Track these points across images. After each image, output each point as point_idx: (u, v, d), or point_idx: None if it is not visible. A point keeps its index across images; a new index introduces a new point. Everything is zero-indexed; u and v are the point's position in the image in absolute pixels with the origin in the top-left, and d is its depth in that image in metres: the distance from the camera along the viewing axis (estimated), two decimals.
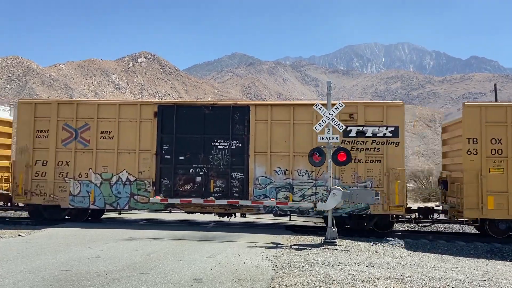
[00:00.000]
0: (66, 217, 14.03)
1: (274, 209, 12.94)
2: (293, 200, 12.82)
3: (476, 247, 11.89)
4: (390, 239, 12.50)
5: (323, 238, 10.90)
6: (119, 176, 13.43)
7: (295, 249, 9.76)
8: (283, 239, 11.26)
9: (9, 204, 14.69)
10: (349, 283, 6.43)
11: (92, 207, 13.60)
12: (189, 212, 13.76)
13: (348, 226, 13.23)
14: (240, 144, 13.24)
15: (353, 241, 11.39)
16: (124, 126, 13.54)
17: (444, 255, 10.73)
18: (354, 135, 12.88)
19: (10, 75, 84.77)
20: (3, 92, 78.06)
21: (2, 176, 15.35)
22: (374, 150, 12.80)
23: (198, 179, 13.29)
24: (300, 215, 13.34)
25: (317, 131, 11.32)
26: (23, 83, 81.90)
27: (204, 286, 6.38)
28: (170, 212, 14.30)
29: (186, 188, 13.32)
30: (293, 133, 13.06)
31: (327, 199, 11.01)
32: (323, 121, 11.16)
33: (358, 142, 12.85)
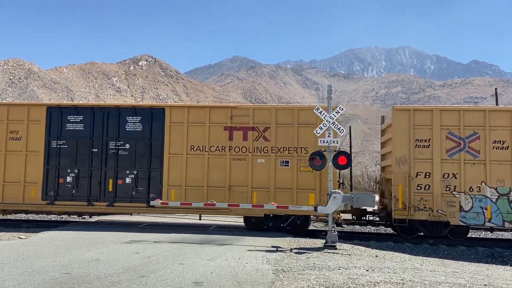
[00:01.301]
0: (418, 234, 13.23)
1: None
2: None
3: (477, 252, 11.87)
4: None
5: (324, 241, 10.89)
6: None
7: (296, 253, 9.75)
8: (284, 242, 11.24)
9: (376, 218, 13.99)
10: (349, 287, 6.42)
11: (487, 224, 12.54)
12: None
13: None
14: None
15: (353, 245, 11.38)
16: None
17: (444, 260, 10.70)
18: None
19: (12, 77, 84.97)
20: (5, 94, 78.21)
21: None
22: None
23: None
24: None
25: (318, 135, 11.33)
26: (24, 86, 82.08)
27: None
28: None
29: None
30: None
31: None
32: (324, 124, 11.18)
33: None
